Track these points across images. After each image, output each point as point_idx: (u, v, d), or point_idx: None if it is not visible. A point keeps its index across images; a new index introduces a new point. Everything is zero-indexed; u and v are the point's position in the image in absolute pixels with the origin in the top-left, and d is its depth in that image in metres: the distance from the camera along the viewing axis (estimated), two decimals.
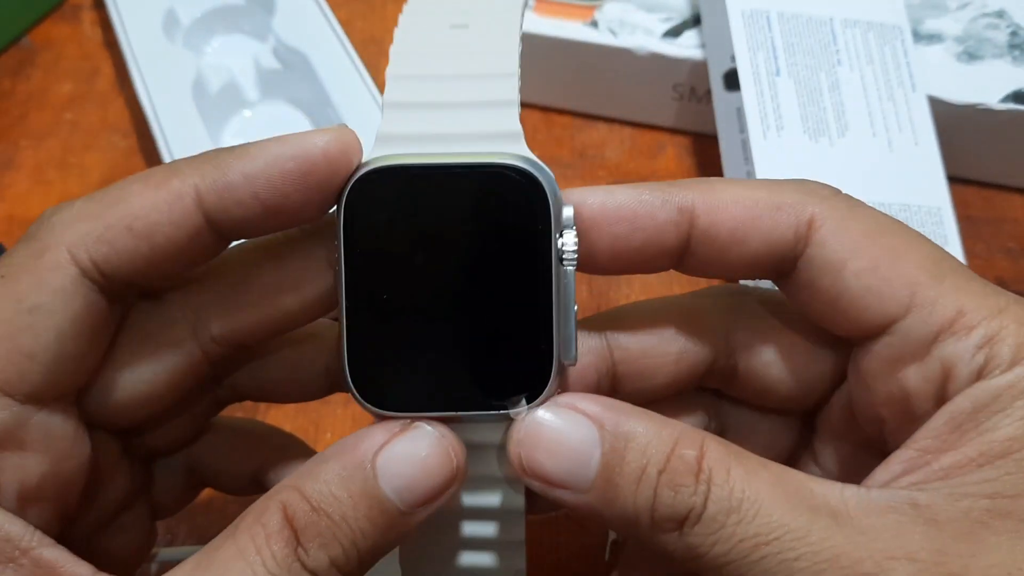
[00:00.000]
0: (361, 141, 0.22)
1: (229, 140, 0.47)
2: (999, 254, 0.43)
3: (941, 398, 0.21)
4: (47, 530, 0.21)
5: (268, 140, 0.22)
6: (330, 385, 0.27)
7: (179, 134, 0.43)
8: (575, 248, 0.21)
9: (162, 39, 0.47)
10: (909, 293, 0.21)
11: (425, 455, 0.21)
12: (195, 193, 0.21)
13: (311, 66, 0.46)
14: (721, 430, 0.27)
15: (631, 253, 0.22)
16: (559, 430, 0.21)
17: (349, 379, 0.22)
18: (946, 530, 0.19)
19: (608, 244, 0.22)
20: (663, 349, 0.25)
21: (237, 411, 0.33)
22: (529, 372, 0.21)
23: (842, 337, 0.23)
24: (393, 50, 0.23)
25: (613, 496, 0.20)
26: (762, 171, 0.38)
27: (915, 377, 0.21)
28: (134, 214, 0.21)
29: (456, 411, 0.22)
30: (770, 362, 0.25)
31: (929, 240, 0.22)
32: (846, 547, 0.19)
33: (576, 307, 0.22)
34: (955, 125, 0.42)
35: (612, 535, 0.35)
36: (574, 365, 0.22)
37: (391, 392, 0.22)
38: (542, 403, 0.21)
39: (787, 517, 0.19)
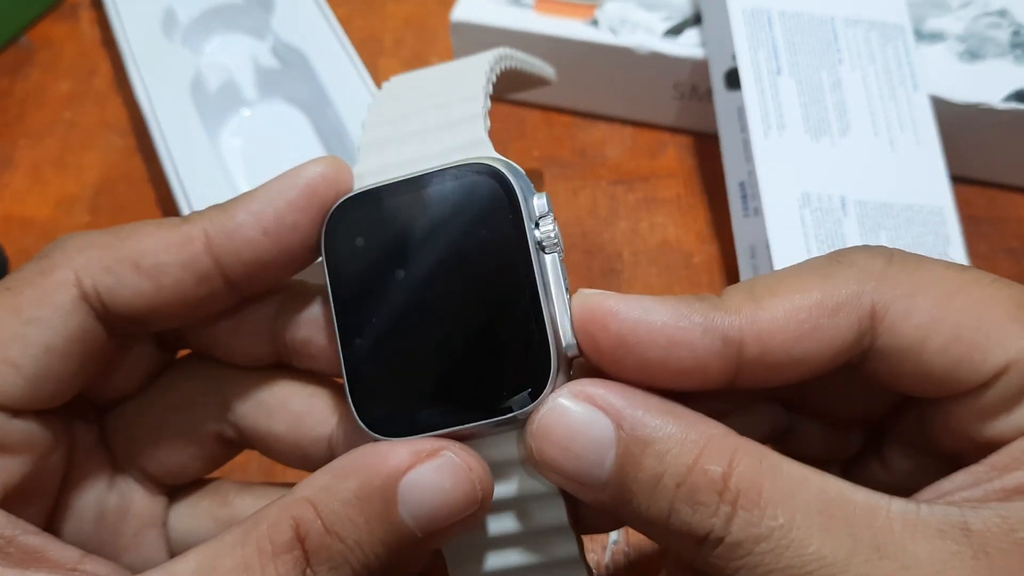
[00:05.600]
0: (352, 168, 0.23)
1: (228, 139, 0.46)
2: (1002, 254, 0.43)
3: None
4: (33, 522, 0.21)
5: (268, 180, 0.22)
6: (276, 351, 0.25)
7: (177, 133, 0.43)
8: (554, 233, 0.20)
9: (160, 38, 0.47)
10: (1004, 351, 0.19)
11: (450, 487, 0.20)
12: (205, 236, 0.22)
13: (310, 65, 0.46)
14: (788, 427, 0.26)
15: (663, 377, 0.20)
16: (574, 424, 0.19)
17: (353, 409, 0.21)
18: (996, 566, 0.17)
19: (636, 364, 0.20)
20: None
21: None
22: (528, 368, 0.20)
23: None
24: (366, 119, 0.24)
25: (627, 500, 0.19)
26: (763, 170, 0.38)
27: (1003, 427, 0.19)
28: (143, 251, 0.22)
29: (462, 425, 0.21)
30: (839, 386, 0.23)
31: (1001, 282, 0.20)
32: None
33: (570, 295, 0.21)
34: (957, 124, 0.42)
35: (613, 537, 0.35)
36: (577, 355, 0.21)
37: (396, 416, 0.21)
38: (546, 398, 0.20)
39: (826, 548, 0.17)
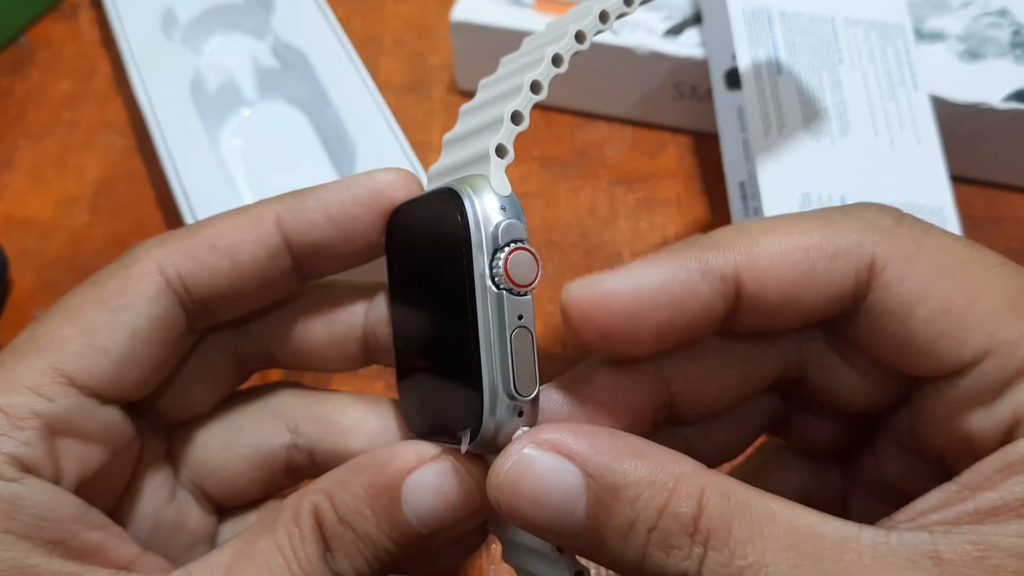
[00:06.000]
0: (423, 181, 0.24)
1: (228, 139, 0.46)
2: (1001, 254, 0.43)
3: (1006, 444, 0.19)
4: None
5: (342, 178, 0.24)
6: (367, 354, 0.26)
7: (177, 133, 0.43)
8: (501, 269, 0.19)
9: (160, 38, 0.47)
10: (987, 335, 0.19)
11: (448, 489, 0.21)
12: (275, 217, 0.23)
13: (310, 65, 0.46)
14: (787, 420, 0.26)
15: (676, 333, 0.20)
16: (541, 477, 0.19)
17: (401, 406, 0.24)
18: None
19: (650, 332, 0.19)
20: (725, 372, 0.23)
21: None
22: (466, 408, 0.20)
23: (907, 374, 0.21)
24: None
25: (600, 547, 0.19)
26: (763, 170, 0.38)
27: (982, 422, 0.19)
28: (219, 233, 0.23)
29: (440, 442, 0.21)
30: (838, 377, 0.23)
31: (1009, 265, 0.20)
32: None
33: (527, 334, 0.20)
34: (957, 124, 0.42)
35: None
36: (528, 399, 0.20)
37: (413, 420, 0.23)
38: (491, 439, 0.20)
39: None
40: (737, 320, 0.20)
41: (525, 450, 0.19)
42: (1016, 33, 0.44)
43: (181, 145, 0.42)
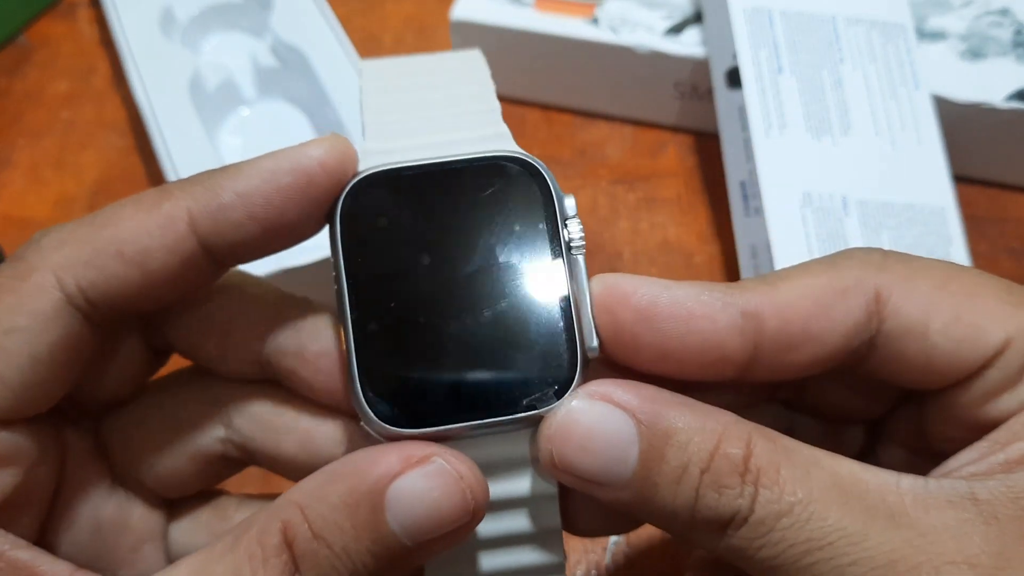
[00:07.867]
0: (356, 149, 0.21)
1: (227, 138, 0.46)
2: (1003, 254, 0.43)
3: None
4: (26, 535, 0.21)
5: (260, 157, 0.21)
6: (263, 369, 0.23)
7: (176, 132, 0.42)
8: (582, 235, 0.21)
9: (159, 37, 0.47)
10: (1002, 327, 0.20)
11: (439, 495, 0.19)
12: (188, 217, 0.20)
13: (309, 64, 0.45)
14: (790, 427, 0.26)
15: (686, 355, 0.20)
16: (593, 424, 0.19)
17: (363, 400, 0.20)
18: (1007, 530, 0.18)
19: (656, 342, 0.20)
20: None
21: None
22: (553, 365, 0.20)
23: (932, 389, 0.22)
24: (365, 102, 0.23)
25: (651, 494, 0.19)
26: (764, 169, 0.38)
27: (1007, 404, 0.20)
28: (124, 239, 0.20)
29: (483, 419, 0.20)
30: (838, 387, 0.24)
31: (985, 272, 0.21)
32: (904, 551, 0.18)
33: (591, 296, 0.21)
34: (959, 124, 0.42)
35: (613, 537, 0.35)
36: (597, 355, 0.21)
37: (410, 408, 0.20)
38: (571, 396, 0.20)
39: (844, 520, 0.18)
40: (758, 361, 0.20)
41: (574, 402, 0.20)
42: (1018, 32, 0.44)
43: (180, 144, 0.42)
